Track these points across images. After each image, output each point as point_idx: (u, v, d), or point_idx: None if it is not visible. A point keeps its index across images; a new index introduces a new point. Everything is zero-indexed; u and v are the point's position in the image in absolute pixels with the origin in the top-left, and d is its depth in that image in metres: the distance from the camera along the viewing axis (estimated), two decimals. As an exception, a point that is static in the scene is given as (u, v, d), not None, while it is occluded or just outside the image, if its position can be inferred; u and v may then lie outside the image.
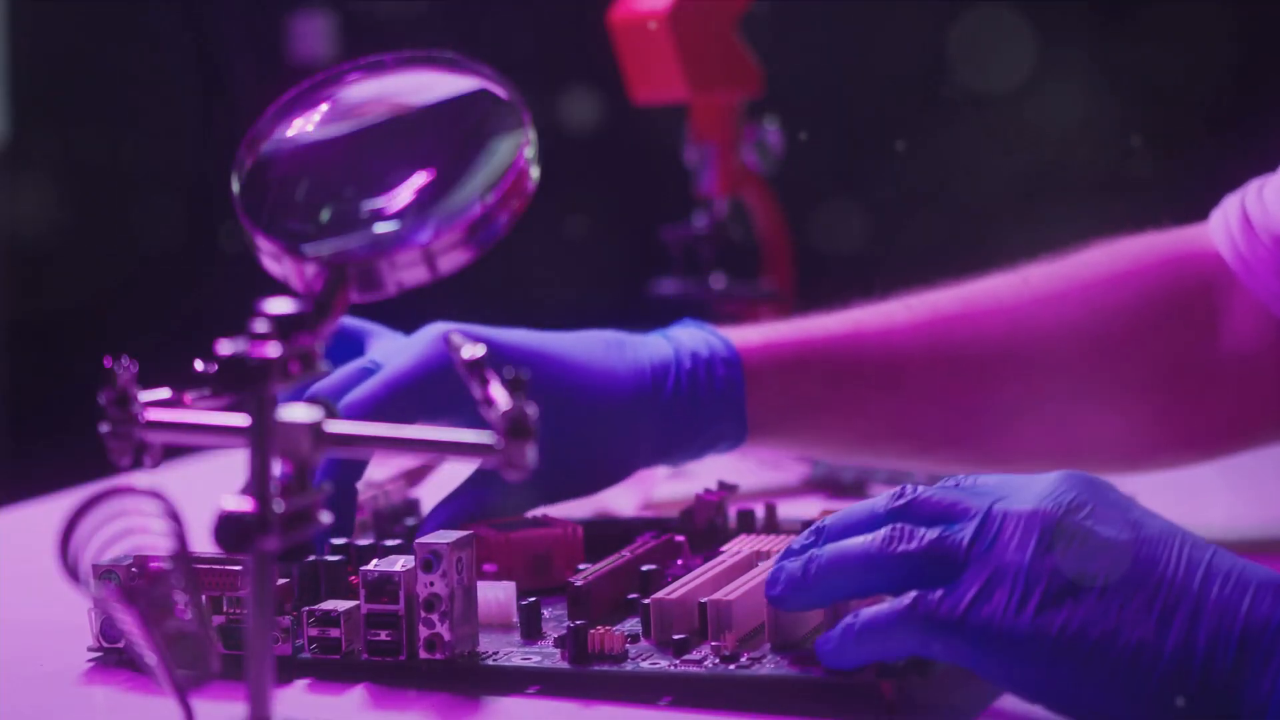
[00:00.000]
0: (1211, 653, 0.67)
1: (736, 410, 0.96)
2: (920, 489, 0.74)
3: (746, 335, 0.98)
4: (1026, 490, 0.72)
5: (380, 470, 1.04)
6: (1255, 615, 0.67)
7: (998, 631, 0.69)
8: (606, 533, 0.92)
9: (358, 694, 0.77)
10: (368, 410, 0.88)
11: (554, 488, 0.94)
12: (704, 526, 0.95)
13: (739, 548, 0.85)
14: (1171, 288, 1.00)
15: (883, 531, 0.72)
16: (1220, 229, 0.99)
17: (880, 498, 0.74)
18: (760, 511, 0.97)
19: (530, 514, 0.91)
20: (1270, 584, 0.68)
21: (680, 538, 0.89)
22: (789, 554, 0.76)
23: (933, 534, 0.71)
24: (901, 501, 0.73)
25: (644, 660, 0.76)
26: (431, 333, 0.92)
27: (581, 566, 0.85)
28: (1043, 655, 0.68)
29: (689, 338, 0.97)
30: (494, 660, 0.77)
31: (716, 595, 0.77)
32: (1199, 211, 1.02)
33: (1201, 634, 0.67)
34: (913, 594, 0.70)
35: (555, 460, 0.87)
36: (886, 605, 0.71)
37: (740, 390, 0.96)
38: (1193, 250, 1.00)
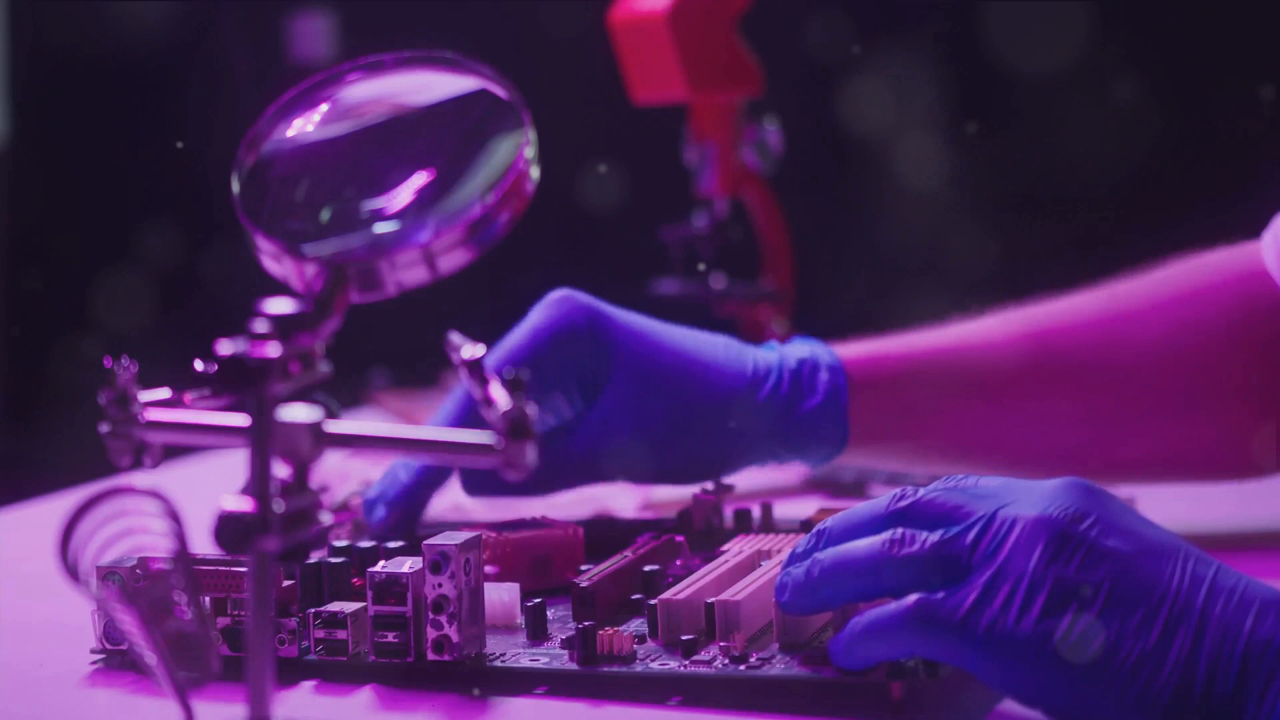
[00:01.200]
0: (1213, 672, 0.67)
1: (837, 414, 0.97)
2: (921, 491, 0.74)
3: (852, 348, 1.00)
4: (1029, 495, 0.71)
5: (376, 471, 1.04)
6: (1258, 635, 0.67)
7: (999, 636, 0.68)
8: (606, 534, 0.92)
9: (365, 695, 0.77)
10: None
11: (652, 469, 0.96)
12: (702, 526, 0.95)
13: (739, 548, 0.85)
14: (1246, 305, 1.01)
15: (885, 535, 0.72)
16: (1271, 252, 1.00)
17: (881, 499, 0.74)
18: (757, 511, 0.97)
19: (529, 515, 0.91)
20: (1273, 603, 0.68)
21: (680, 538, 0.89)
22: (793, 559, 0.76)
23: (935, 537, 0.71)
24: (904, 504, 0.73)
25: (653, 661, 0.76)
26: (550, 298, 0.96)
27: (584, 568, 0.85)
28: (1043, 662, 0.68)
29: (796, 349, 0.99)
30: (502, 662, 0.77)
31: (724, 595, 0.77)
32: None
33: (1204, 652, 0.67)
34: (916, 596, 0.70)
35: (654, 444, 0.94)
36: (890, 606, 0.71)
37: (843, 395, 0.97)
38: (1258, 268, 1.01)
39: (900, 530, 0.72)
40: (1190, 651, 0.67)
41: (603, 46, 1.40)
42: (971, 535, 0.71)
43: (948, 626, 0.69)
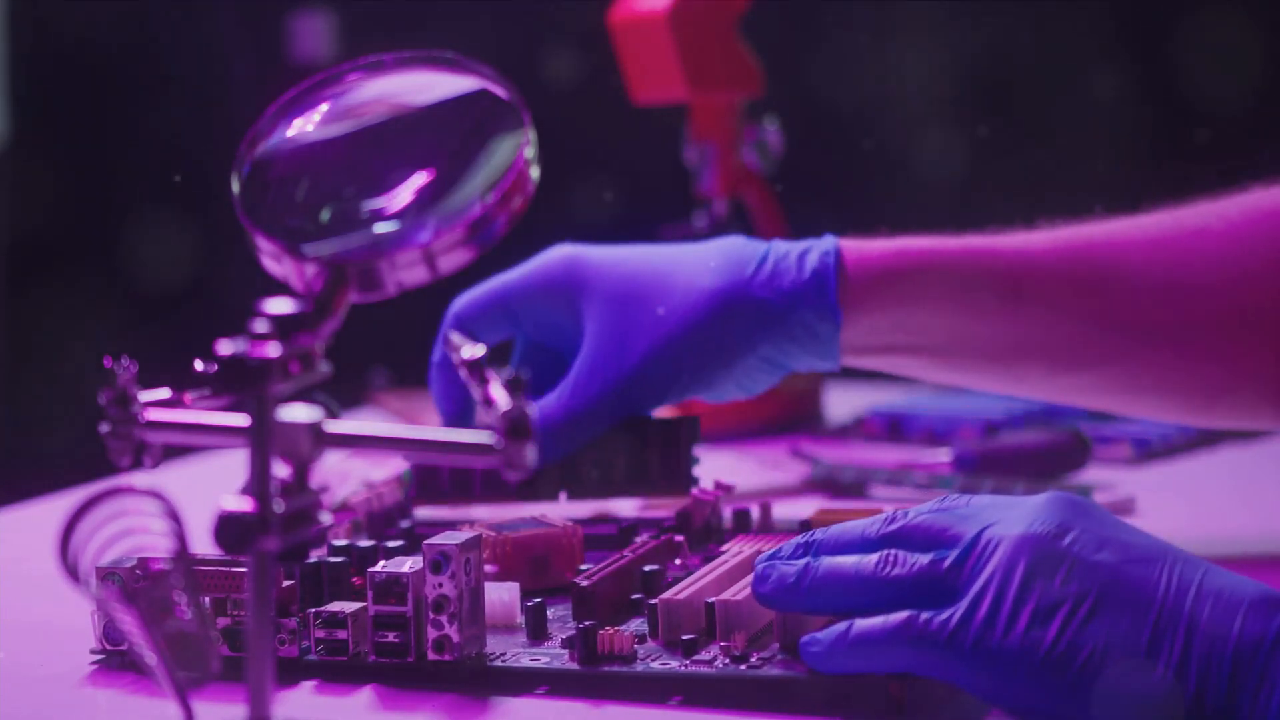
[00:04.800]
0: (1205, 676, 0.67)
1: (823, 292, 0.95)
2: (911, 513, 0.74)
3: (872, 243, 0.97)
4: (1015, 513, 0.72)
5: (377, 471, 1.04)
6: (1247, 635, 0.67)
7: (987, 650, 0.69)
8: (604, 533, 0.92)
9: (365, 696, 0.77)
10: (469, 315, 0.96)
11: (646, 395, 0.95)
12: (700, 527, 0.95)
13: (739, 547, 0.85)
14: None
15: (876, 555, 0.73)
16: None
17: (872, 521, 0.75)
18: (756, 512, 0.97)
19: (528, 515, 0.91)
20: (1261, 601, 0.68)
21: (679, 538, 0.89)
22: (776, 556, 0.76)
23: (924, 560, 0.72)
24: (894, 527, 0.74)
25: (653, 661, 0.76)
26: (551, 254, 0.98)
27: (583, 567, 0.85)
28: (1033, 674, 0.68)
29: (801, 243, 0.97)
30: (502, 661, 0.77)
31: (724, 595, 0.77)
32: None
33: (1194, 656, 0.67)
34: (906, 613, 0.71)
35: (639, 367, 0.94)
36: (880, 620, 0.71)
37: (831, 276, 0.95)
38: None
39: (891, 552, 0.73)
40: (1180, 657, 0.67)
41: (603, 46, 1.40)
42: (957, 556, 0.71)
43: (935, 642, 0.70)
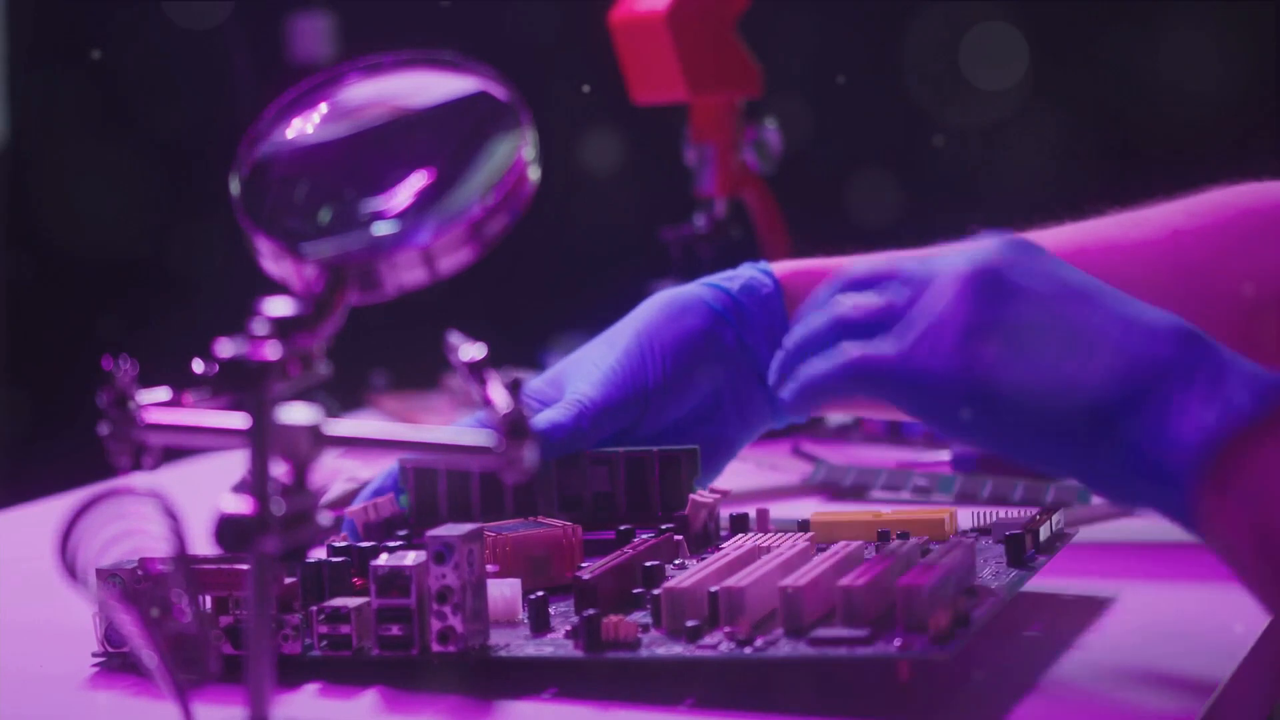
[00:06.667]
0: (1116, 394, 0.71)
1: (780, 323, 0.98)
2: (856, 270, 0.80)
3: (806, 263, 1.01)
4: (962, 255, 0.76)
5: (365, 470, 1.04)
6: (1152, 354, 0.72)
7: (926, 374, 0.74)
8: (603, 538, 0.92)
9: (369, 697, 0.77)
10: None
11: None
12: (699, 529, 0.95)
13: (739, 542, 0.85)
14: (1254, 215, 1.00)
15: (829, 307, 0.79)
16: None
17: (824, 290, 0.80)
18: (753, 515, 0.97)
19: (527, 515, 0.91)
20: (1172, 326, 0.73)
21: (679, 537, 0.89)
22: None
23: (875, 298, 0.77)
24: (841, 283, 0.79)
25: (658, 648, 0.76)
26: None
27: (583, 564, 0.84)
28: (966, 396, 0.74)
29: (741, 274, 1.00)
30: (506, 652, 0.77)
31: (728, 582, 0.77)
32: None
33: (1112, 378, 0.72)
34: (856, 348, 0.76)
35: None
36: (824, 360, 0.77)
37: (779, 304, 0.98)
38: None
39: (842, 297, 0.79)
40: (1100, 379, 0.72)
41: (603, 46, 1.40)
42: (906, 291, 0.77)
43: (880, 372, 0.75)
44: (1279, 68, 1.84)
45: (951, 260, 0.76)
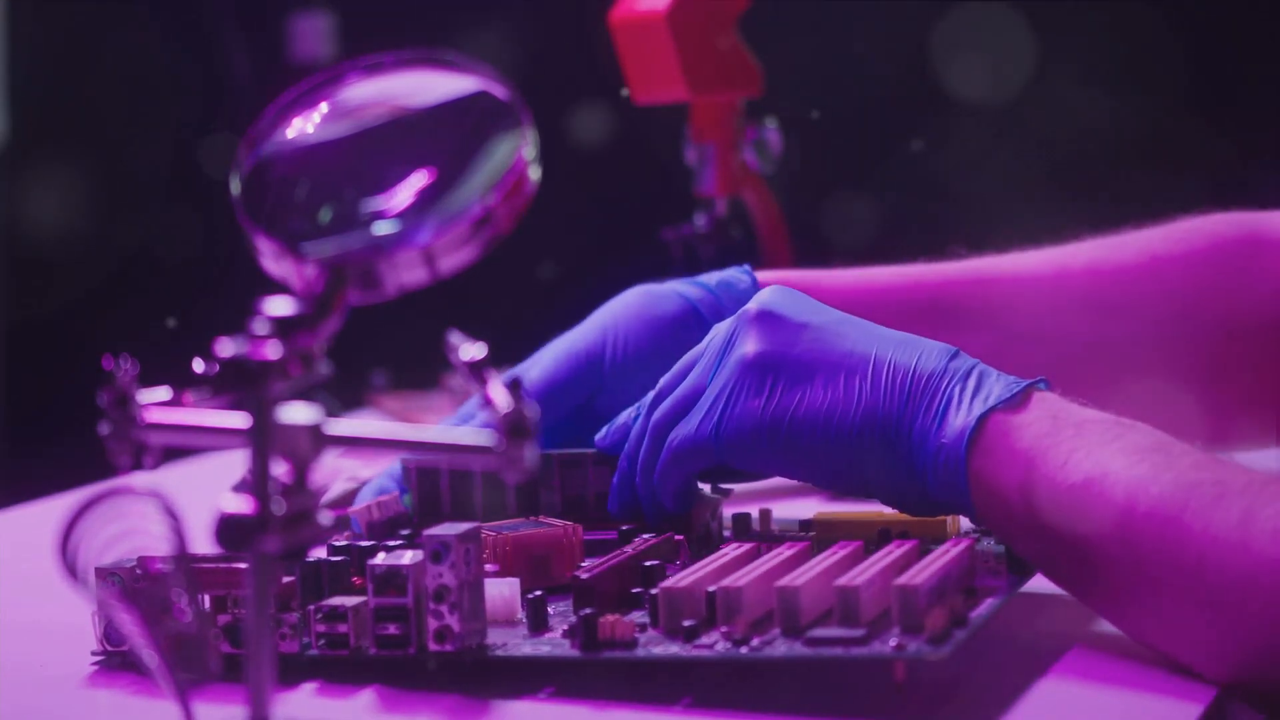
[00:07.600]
0: (890, 404, 0.82)
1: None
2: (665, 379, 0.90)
3: (788, 274, 1.04)
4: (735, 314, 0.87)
5: (366, 470, 1.04)
6: (925, 368, 0.83)
7: (725, 431, 0.85)
8: (604, 538, 0.92)
9: (366, 697, 0.77)
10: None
11: None
12: (699, 530, 0.95)
13: (737, 546, 0.85)
14: (1229, 243, 1.04)
15: (637, 410, 0.90)
16: None
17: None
18: (755, 514, 0.97)
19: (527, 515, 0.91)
20: (937, 349, 0.83)
21: (679, 537, 0.89)
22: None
23: (674, 390, 0.88)
24: (652, 393, 0.90)
25: (654, 647, 0.76)
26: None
27: (583, 564, 0.85)
28: (764, 438, 0.85)
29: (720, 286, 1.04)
30: (503, 651, 0.77)
31: (725, 582, 0.77)
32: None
33: (880, 387, 0.83)
34: (673, 439, 0.87)
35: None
36: (647, 450, 0.88)
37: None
38: (1260, 227, 1.04)
39: (647, 399, 0.90)
40: (870, 393, 0.83)
41: (603, 46, 1.40)
42: (702, 365, 0.87)
43: (697, 449, 0.86)
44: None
45: (728, 320, 0.87)
